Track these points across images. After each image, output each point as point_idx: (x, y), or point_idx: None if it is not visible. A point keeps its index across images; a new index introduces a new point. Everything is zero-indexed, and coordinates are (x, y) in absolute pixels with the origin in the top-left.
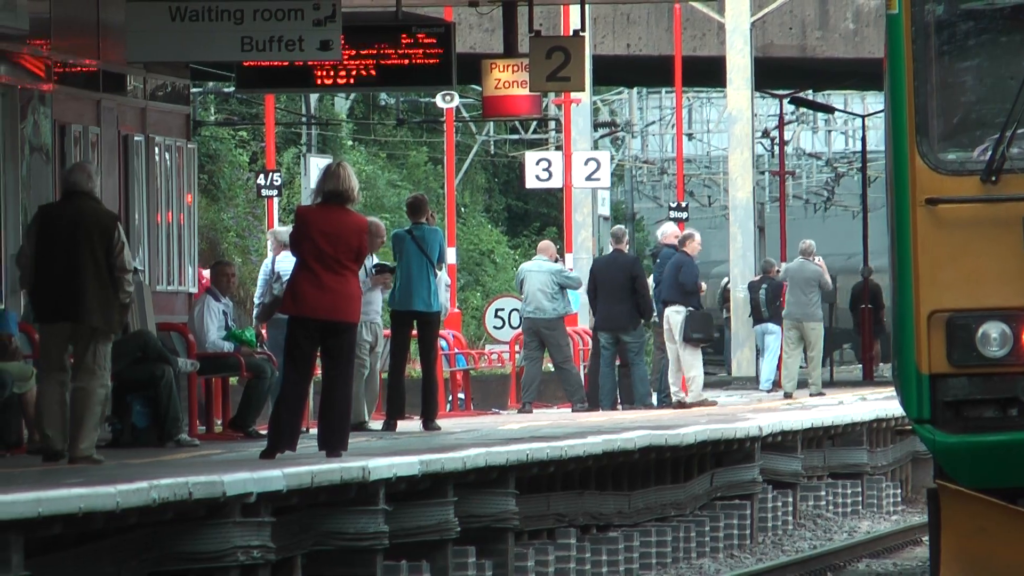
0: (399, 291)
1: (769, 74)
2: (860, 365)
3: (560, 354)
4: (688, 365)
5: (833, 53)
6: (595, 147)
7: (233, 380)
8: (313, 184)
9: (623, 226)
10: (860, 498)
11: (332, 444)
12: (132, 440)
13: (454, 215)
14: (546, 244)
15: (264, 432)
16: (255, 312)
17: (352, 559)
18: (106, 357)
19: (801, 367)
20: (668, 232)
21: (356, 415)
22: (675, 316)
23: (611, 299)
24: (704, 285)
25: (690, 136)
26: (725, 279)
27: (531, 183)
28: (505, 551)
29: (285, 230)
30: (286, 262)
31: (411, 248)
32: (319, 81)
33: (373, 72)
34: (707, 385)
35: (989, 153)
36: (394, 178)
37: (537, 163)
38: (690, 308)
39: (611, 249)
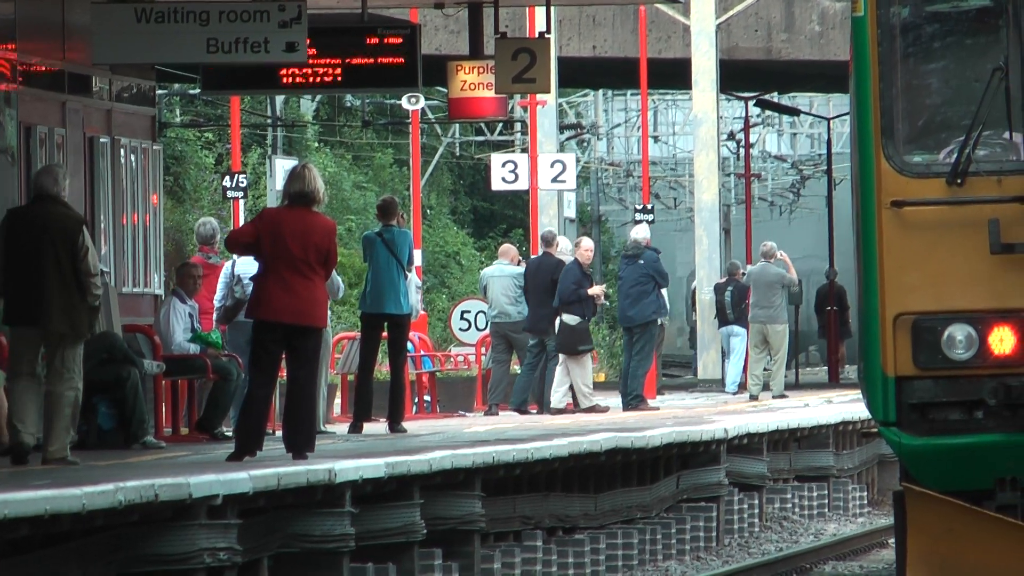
0: (369, 294)
1: (735, 76)
2: (826, 367)
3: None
4: (568, 373)
5: (798, 55)
6: (561, 149)
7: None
8: (279, 185)
9: (553, 230)
10: (826, 500)
11: (298, 446)
12: (98, 442)
13: (420, 217)
14: (506, 248)
15: (230, 433)
16: (215, 315)
17: (318, 561)
18: (75, 360)
19: (765, 369)
20: (646, 235)
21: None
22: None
23: (537, 302)
24: (599, 291)
25: (656, 138)
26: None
27: (497, 185)
28: (471, 553)
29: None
30: (247, 265)
31: (381, 250)
32: (285, 83)
33: (339, 74)
34: (672, 387)
35: (955, 156)
36: (360, 180)
37: (503, 165)
38: (563, 316)
39: (542, 252)
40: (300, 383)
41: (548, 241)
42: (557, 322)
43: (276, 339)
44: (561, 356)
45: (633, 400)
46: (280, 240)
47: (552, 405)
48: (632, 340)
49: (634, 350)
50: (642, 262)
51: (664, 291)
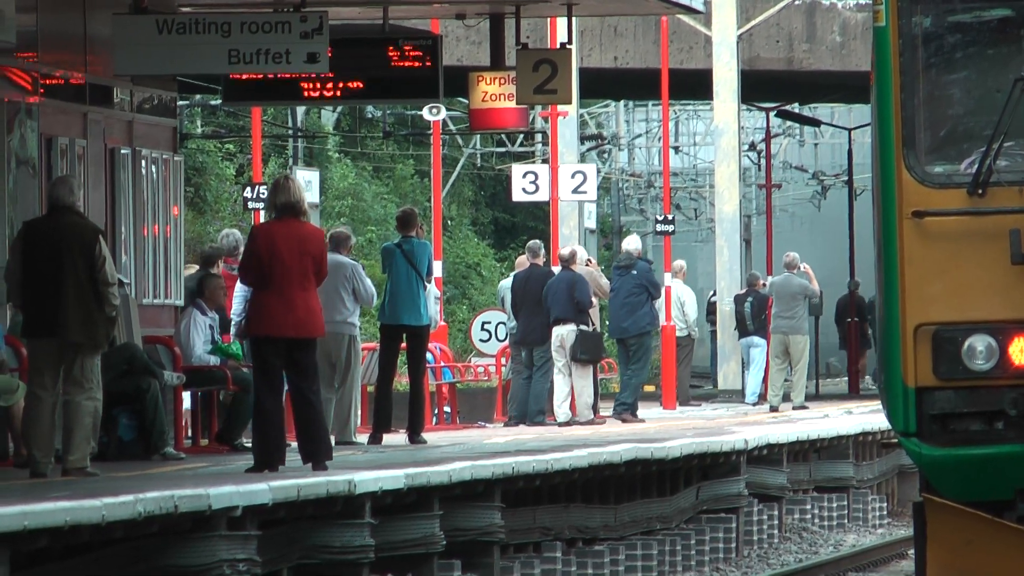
0: (388, 305)
1: (756, 87)
2: (846, 378)
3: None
4: (578, 384)
5: (820, 66)
6: (582, 160)
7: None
8: None
9: (539, 240)
10: (846, 511)
11: (317, 456)
12: (118, 453)
13: (440, 228)
14: (523, 260)
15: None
16: (234, 329)
17: (338, 572)
18: (93, 370)
19: (786, 380)
20: (638, 246)
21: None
22: (569, 335)
23: (528, 314)
24: (595, 303)
25: (677, 149)
26: (712, 292)
27: (518, 196)
28: (491, 564)
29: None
30: None
31: (400, 261)
32: (306, 94)
33: (360, 85)
34: (693, 397)
35: (976, 166)
36: (381, 191)
37: (524, 176)
38: (581, 327)
39: (529, 264)
40: (306, 394)
41: (534, 252)
42: (568, 332)
43: (279, 352)
44: (571, 366)
45: (621, 407)
46: (277, 254)
47: (569, 418)
48: (628, 352)
49: (631, 362)
50: (635, 272)
51: (692, 302)
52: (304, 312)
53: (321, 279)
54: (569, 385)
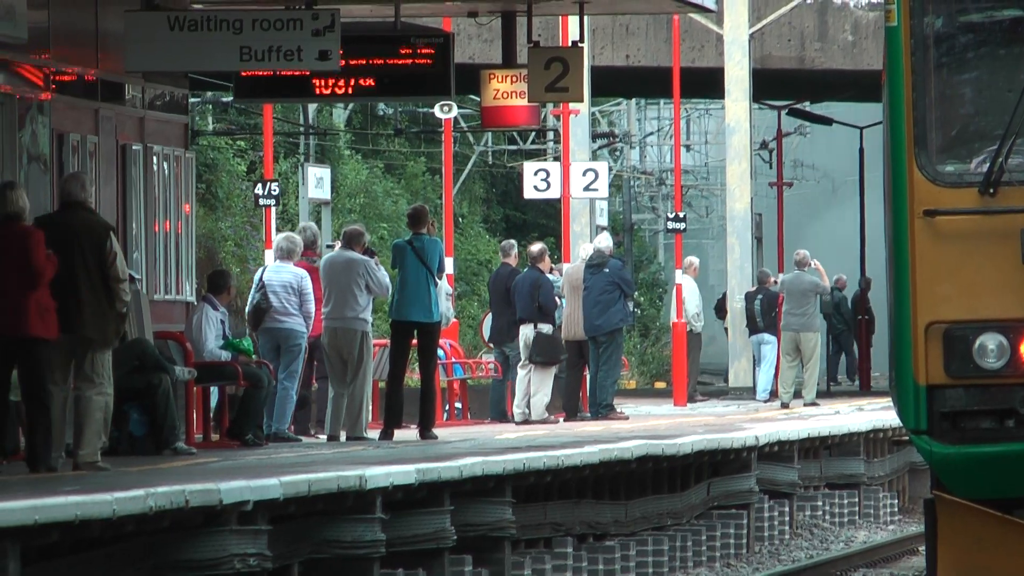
0: (398, 301)
1: (767, 85)
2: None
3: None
4: (536, 384)
5: (831, 65)
6: (593, 158)
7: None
8: (311, 193)
9: (512, 240)
10: (857, 508)
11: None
12: (129, 448)
13: (452, 225)
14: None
15: (261, 439)
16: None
17: (349, 567)
18: (104, 366)
19: (797, 377)
20: (609, 244)
21: (358, 428)
22: (530, 335)
23: (497, 313)
24: (560, 301)
25: (688, 147)
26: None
27: (529, 193)
28: (502, 560)
29: (282, 236)
30: (275, 273)
31: (411, 258)
32: (318, 91)
33: (371, 82)
34: (705, 394)
35: (987, 165)
36: (392, 188)
37: (535, 173)
38: (539, 328)
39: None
40: (37, 392)
41: (506, 251)
42: (530, 332)
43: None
44: (530, 367)
45: (603, 409)
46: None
47: (527, 417)
48: (599, 350)
49: (601, 360)
50: (607, 271)
51: (694, 297)
52: (13, 313)
53: (40, 277)
54: (527, 383)
